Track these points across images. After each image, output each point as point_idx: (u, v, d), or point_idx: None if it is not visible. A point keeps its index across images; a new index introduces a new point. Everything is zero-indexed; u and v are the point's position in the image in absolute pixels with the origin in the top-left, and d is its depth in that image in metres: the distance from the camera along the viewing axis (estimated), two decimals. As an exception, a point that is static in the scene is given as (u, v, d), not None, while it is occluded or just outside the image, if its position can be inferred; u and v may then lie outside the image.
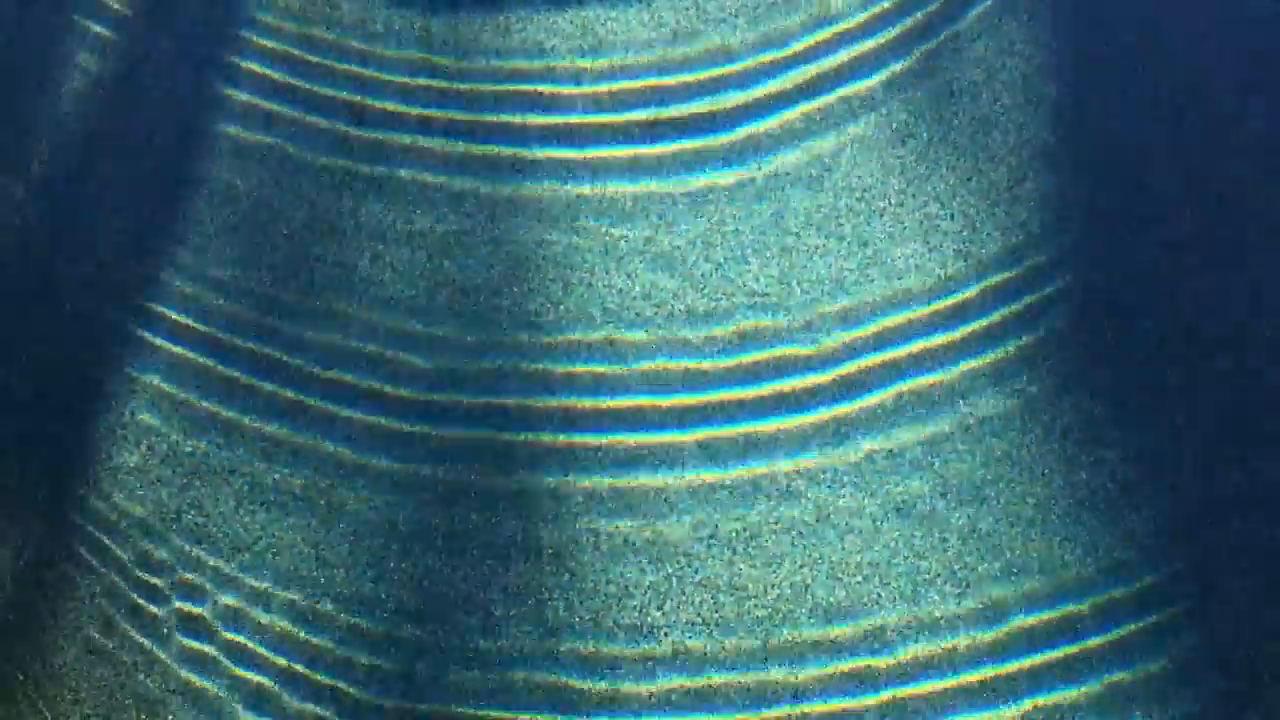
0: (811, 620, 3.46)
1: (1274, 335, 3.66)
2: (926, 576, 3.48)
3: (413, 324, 3.77)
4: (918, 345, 3.71)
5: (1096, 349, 3.67)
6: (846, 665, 3.42)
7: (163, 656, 3.48)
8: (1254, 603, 3.40)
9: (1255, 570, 3.42)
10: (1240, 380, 3.62)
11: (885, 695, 3.39)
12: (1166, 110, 3.92)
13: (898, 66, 4.03)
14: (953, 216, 3.83)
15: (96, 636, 3.50)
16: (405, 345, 3.75)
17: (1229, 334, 3.67)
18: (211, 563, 3.56)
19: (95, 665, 3.47)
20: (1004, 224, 3.84)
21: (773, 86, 4.02)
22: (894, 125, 3.95)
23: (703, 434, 3.63)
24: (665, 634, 3.46)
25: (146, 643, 3.49)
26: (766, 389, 3.69)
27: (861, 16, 4.08)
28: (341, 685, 3.43)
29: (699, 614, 3.46)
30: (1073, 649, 3.42)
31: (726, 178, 3.93)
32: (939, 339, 3.72)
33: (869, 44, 4.05)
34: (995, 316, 3.74)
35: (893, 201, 3.86)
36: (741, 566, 3.49)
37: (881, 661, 3.42)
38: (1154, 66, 3.97)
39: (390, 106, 4.06)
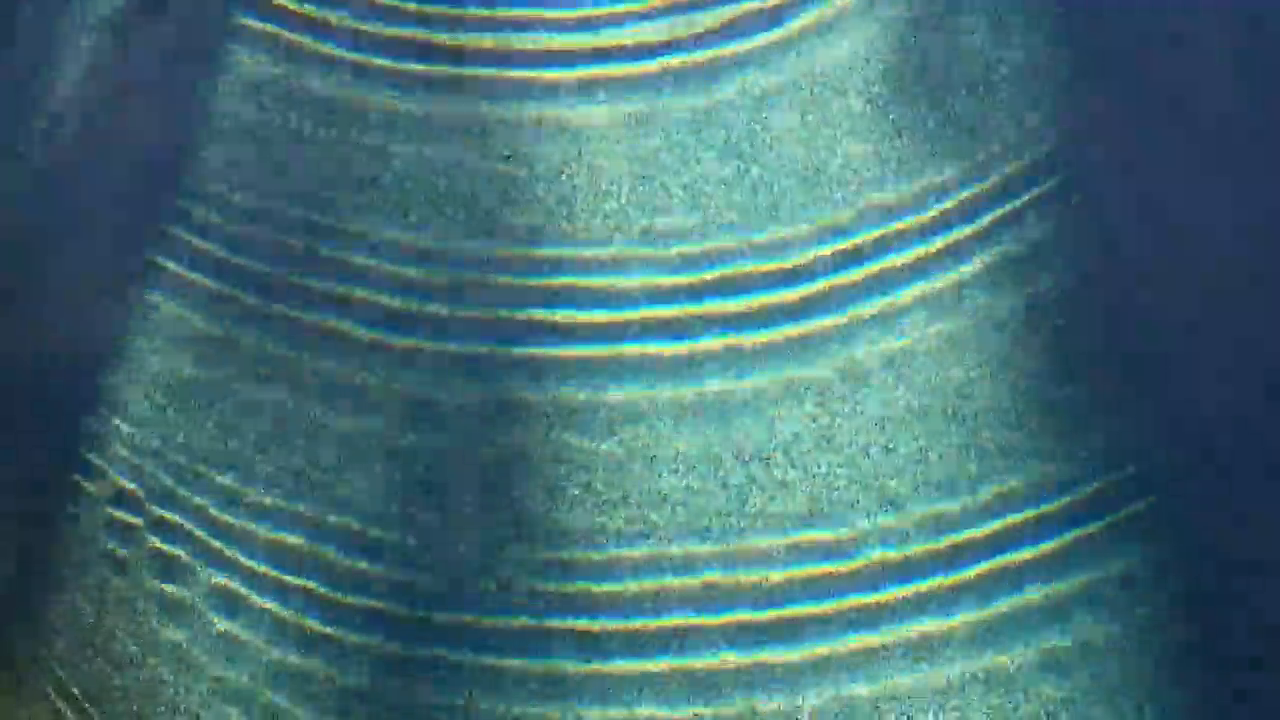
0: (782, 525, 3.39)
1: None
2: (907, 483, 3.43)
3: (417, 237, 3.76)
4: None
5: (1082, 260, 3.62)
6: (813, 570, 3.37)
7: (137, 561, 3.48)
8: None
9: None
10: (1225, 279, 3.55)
11: (850, 601, 3.32)
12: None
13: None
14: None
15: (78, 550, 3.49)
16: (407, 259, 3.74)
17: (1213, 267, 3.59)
18: (197, 471, 3.53)
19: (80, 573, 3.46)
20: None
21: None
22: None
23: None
24: (660, 539, 3.40)
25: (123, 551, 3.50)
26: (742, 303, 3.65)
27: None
28: (314, 585, 3.42)
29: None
30: (1065, 540, 3.35)
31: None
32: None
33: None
34: (978, 225, 3.69)
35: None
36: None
37: (847, 565, 3.34)
38: None
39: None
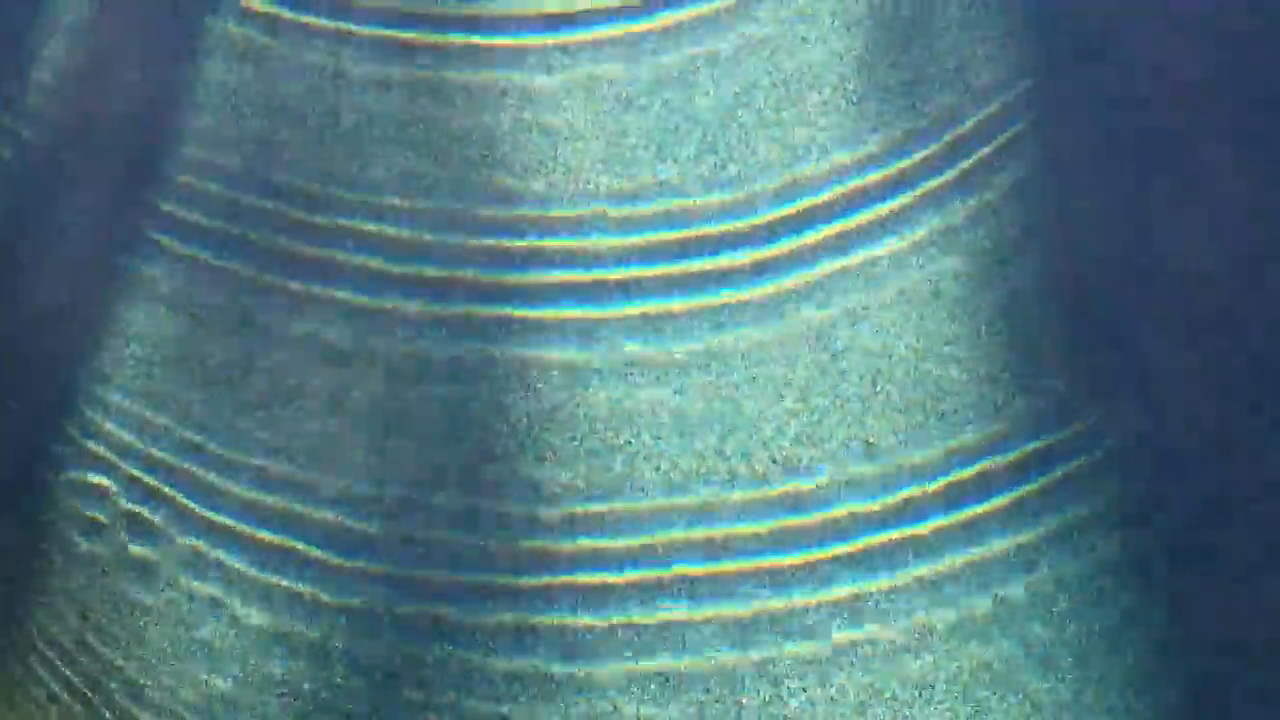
0: (748, 470, 3.46)
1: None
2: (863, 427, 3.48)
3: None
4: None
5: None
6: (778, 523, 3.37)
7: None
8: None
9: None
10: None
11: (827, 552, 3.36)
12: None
13: None
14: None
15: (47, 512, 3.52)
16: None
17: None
18: (184, 438, 3.56)
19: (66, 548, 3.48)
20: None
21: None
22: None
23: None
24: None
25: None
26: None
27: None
28: (301, 546, 3.44)
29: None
30: (1018, 493, 3.37)
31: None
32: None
33: None
34: (940, 181, 3.69)
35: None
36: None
37: (812, 518, 3.36)
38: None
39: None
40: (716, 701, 3.32)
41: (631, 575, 3.36)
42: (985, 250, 3.63)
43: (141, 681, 3.43)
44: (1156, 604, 3.29)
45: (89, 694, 3.47)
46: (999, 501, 3.38)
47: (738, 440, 3.46)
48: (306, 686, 3.39)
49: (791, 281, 3.58)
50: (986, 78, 3.78)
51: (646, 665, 3.32)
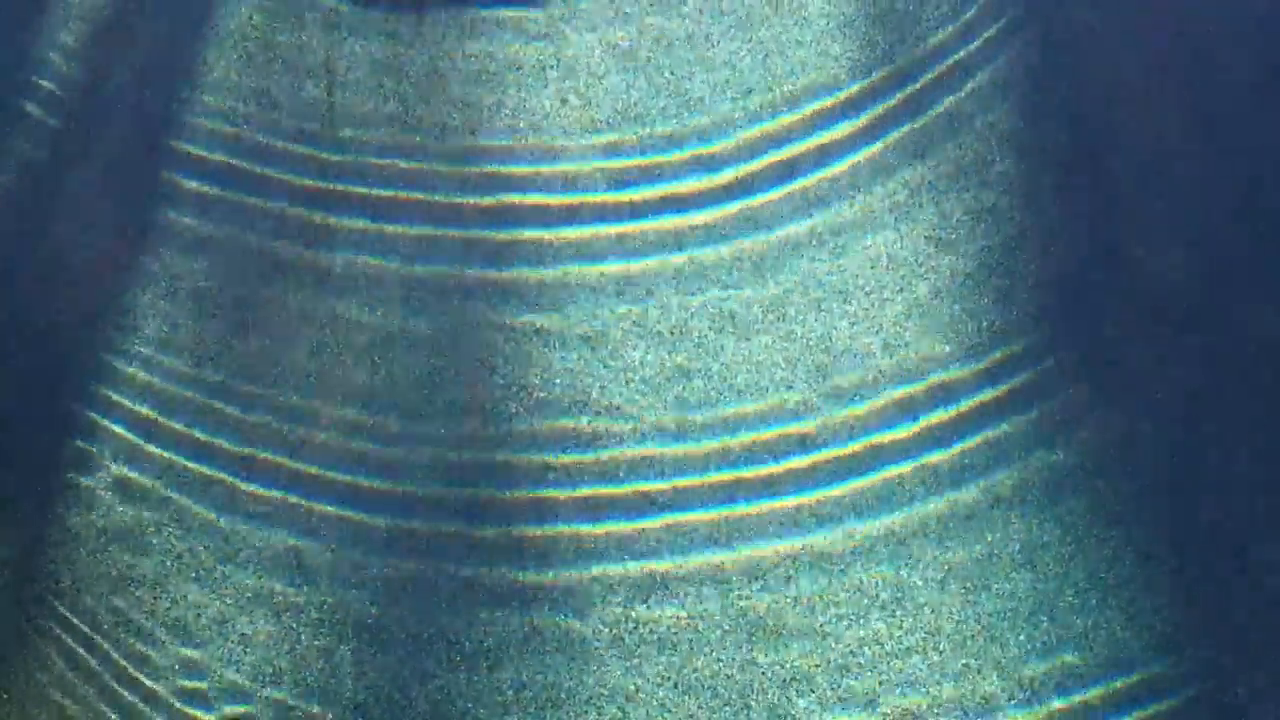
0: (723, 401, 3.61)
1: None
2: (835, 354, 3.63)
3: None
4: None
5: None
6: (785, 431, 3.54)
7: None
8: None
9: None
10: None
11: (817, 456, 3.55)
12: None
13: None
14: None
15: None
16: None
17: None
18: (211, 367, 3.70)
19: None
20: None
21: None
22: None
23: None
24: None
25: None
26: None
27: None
28: (319, 471, 3.56)
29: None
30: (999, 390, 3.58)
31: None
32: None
33: None
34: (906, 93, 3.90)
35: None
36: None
37: (797, 427, 3.55)
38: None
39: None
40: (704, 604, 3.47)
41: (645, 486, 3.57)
42: (950, 166, 3.89)
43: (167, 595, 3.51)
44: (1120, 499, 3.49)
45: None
46: (970, 404, 3.57)
47: (725, 358, 3.69)
48: (314, 602, 3.50)
49: (771, 195, 3.83)
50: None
51: (644, 566, 3.51)
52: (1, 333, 3.82)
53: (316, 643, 3.44)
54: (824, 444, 3.57)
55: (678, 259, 3.78)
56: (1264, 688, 3.31)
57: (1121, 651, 3.34)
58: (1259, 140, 3.85)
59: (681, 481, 3.54)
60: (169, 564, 3.52)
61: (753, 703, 3.31)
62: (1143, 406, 3.59)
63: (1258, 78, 3.93)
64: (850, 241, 3.77)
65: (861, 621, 3.37)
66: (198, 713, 3.38)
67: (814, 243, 3.78)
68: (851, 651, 3.33)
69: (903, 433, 3.56)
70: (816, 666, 3.31)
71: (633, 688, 3.32)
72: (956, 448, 3.56)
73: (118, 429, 3.69)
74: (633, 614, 3.42)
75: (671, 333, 3.69)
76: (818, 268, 3.76)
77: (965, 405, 3.59)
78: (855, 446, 3.55)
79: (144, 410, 3.71)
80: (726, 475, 3.54)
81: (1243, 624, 3.35)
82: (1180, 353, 3.64)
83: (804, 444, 3.57)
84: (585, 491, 3.53)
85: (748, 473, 3.54)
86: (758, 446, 3.55)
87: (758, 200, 3.84)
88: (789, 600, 3.39)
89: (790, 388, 3.61)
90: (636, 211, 3.85)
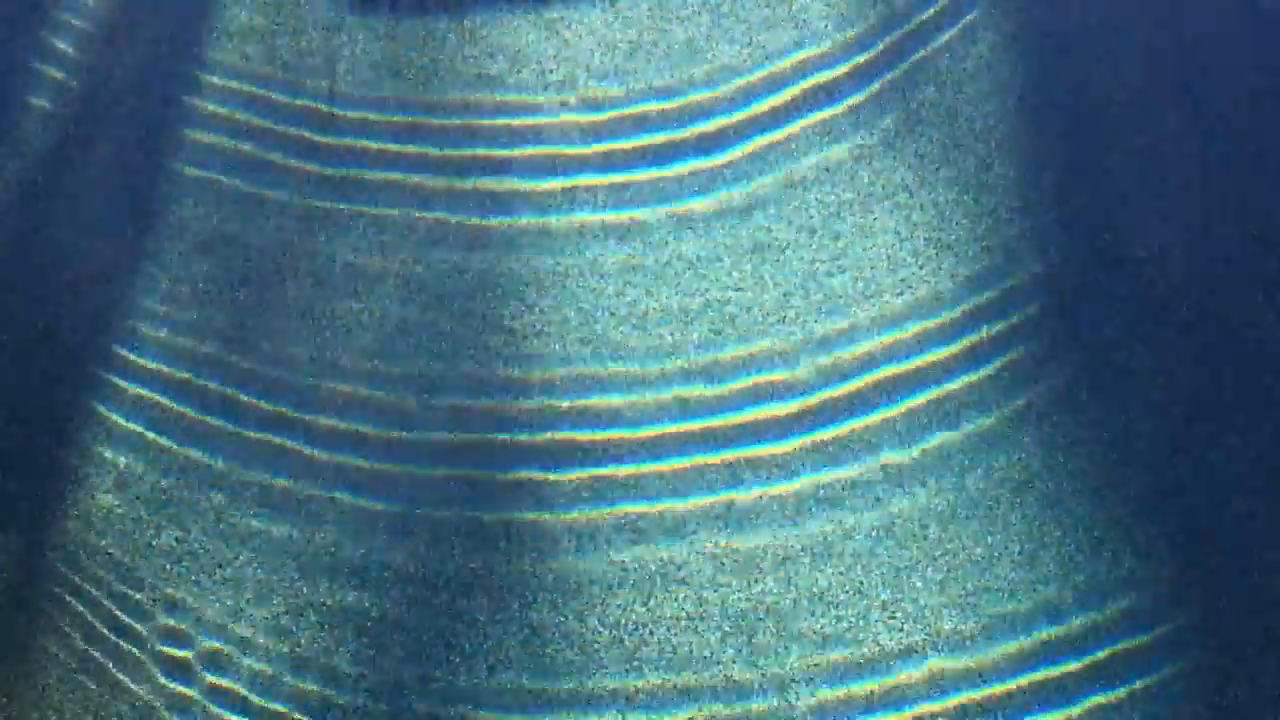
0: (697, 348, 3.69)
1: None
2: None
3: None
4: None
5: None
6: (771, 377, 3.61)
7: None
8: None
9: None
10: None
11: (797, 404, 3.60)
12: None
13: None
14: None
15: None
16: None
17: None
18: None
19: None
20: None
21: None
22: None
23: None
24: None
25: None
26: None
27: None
28: (335, 422, 3.59)
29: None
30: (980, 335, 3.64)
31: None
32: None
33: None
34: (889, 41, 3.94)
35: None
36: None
37: (784, 374, 3.62)
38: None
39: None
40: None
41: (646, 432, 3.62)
42: (932, 104, 3.94)
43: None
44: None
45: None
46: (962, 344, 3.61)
47: (723, 302, 3.75)
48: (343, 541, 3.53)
49: (762, 141, 3.90)
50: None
51: (648, 508, 3.55)
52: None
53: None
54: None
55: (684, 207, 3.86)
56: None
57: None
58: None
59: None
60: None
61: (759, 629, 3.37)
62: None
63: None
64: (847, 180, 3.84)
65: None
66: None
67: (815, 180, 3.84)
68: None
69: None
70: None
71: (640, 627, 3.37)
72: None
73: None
74: (643, 553, 3.48)
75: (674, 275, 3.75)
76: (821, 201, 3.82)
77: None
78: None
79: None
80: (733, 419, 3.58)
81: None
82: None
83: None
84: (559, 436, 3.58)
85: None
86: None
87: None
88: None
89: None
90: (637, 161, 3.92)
